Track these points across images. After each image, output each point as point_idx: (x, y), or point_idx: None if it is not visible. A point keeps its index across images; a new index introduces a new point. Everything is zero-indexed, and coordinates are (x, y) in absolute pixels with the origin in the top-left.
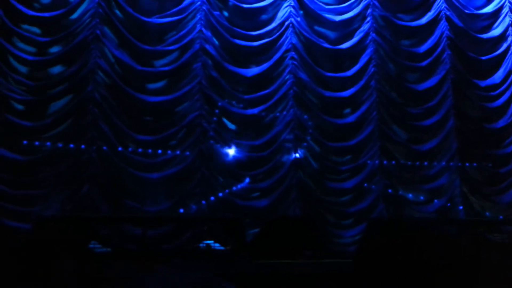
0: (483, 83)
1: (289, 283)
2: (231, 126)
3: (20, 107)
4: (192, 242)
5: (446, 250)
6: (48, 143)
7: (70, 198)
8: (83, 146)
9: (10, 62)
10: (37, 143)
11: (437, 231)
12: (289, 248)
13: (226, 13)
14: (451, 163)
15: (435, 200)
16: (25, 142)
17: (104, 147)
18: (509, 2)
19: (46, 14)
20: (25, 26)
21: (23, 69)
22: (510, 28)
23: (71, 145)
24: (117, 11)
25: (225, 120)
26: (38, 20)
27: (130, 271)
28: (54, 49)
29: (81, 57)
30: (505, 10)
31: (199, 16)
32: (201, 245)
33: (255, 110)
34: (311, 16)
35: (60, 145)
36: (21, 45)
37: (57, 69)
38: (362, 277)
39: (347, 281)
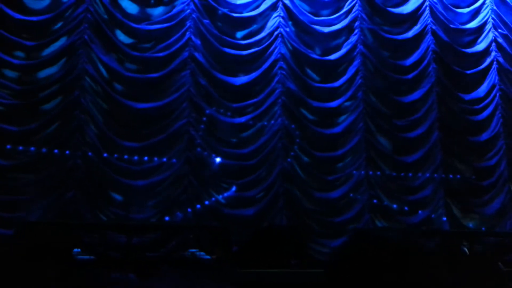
0: (468, 97)
1: None
2: (219, 134)
3: (5, 111)
4: (178, 250)
5: (420, 261)
6: (33, 148)
7: (54, 204)
8: (67, 152)
9: None
10: (21, 148)
11: (414, 243)
12: (275, 257)
13: (215, 22)
14: (435, 175)
15: (419, 211)
16: (8, 146)
17: (90, 153)
18: (493, 18)
19: (34, 18)
20: (12, 30)
21: (9, 73)
22: (493, 43)
23: (56, 151)
24: (106, 17)
25: (212, 128)
26: (26, 24)
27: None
28: (41, 54)
29: (69, 62)
30: (489, 26)
31: (188, 24)
32: (186, 253)
33: (242, 119)
34: (300, 27)
35: (44, 150)
36: (8, 48)
37: (44, 73)
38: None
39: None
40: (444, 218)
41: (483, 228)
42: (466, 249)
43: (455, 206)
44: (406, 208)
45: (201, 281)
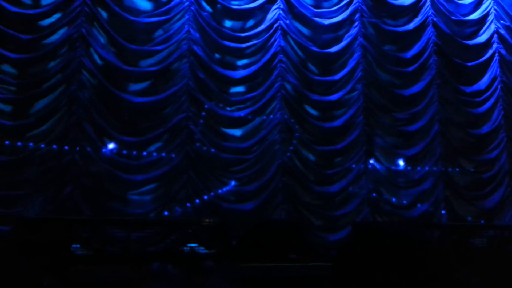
0: (469, 89)
1: (273, 286)
2: (218, 128)
3: (2, 106)
4: (177, 245)
5: (427, 255)
6: (31, 144)
7: (52, 200)
8: (66, 147)
9: None
10: (19, 143)
11: (419, 235)
12: (274, 251)
13: (214, 14)
14: (435, 168)
15: (419, 205)
16: (7, 142)
17: (88, 148)
18: (495, 9)
19: (31, 12)
20: (8, 23)
21: (5, 67)
22: (495, 35)
23: (54, 146)
24: (103, 10)
25: (212, 123)
26: (22, 18)
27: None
28: (38, 47)
29: (66, 56)
30: (491, 17)
31: (187, 17)
32: (185, 248)
33: (242, 113)
34: (300, 19)
35: (43, 145)
36: (4, 42)
37: (41, 67)
38: (342, 282)
39: (331, 284)
40: (444, 212)
41: (482, 221)
42: None
43: (454, 199)
44: (405, 201)
45: (200, 276)
